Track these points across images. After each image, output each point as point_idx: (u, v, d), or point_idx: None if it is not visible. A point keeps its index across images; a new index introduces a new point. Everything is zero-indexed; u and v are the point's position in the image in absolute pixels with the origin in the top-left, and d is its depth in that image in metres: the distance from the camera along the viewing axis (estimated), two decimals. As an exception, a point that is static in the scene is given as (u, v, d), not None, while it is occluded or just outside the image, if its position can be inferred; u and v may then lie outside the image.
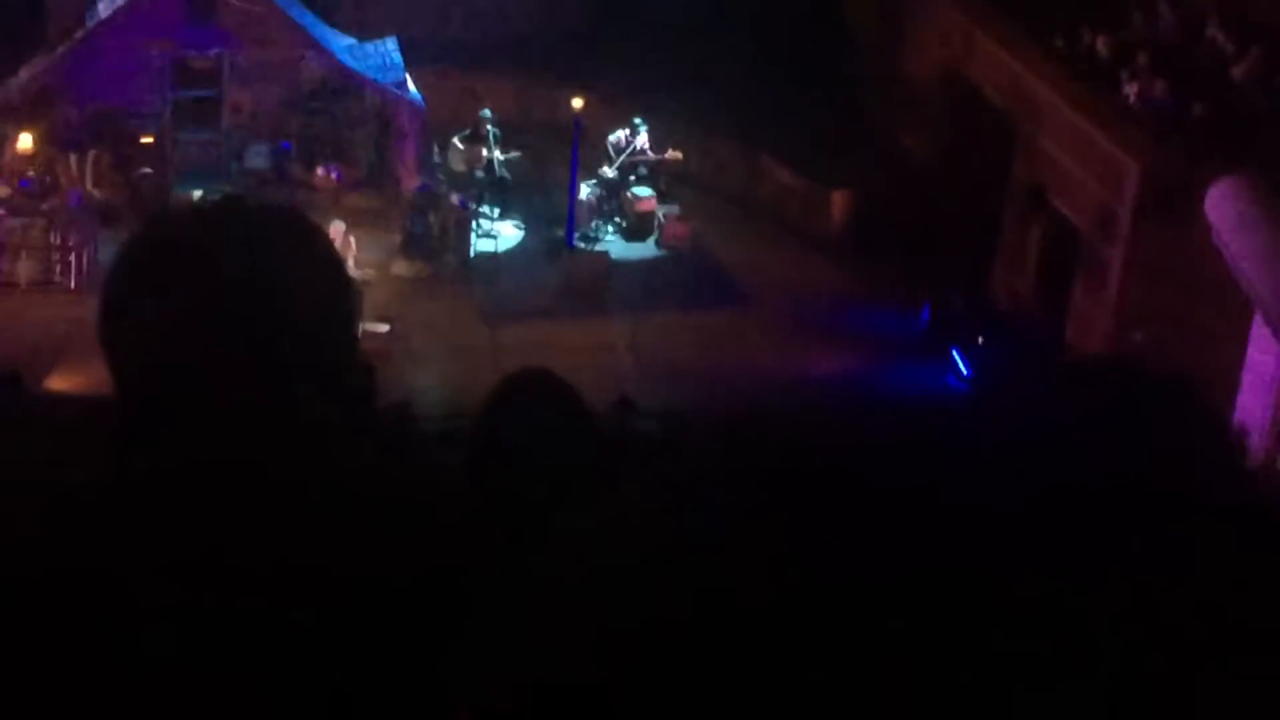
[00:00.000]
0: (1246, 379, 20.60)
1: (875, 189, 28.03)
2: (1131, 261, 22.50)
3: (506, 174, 27.96)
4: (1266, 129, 21.43)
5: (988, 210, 25.78)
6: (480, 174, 27.95)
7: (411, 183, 27.26)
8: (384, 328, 24.21)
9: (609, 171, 27.90)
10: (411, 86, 28.16)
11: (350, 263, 24.52)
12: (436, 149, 28.27)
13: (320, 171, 27.59)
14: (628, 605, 1.94)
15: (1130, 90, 23.61)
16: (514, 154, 28.01)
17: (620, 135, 28.15)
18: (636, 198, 27.92)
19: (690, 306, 26.03)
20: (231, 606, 2.42)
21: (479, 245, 26.97)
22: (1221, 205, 20.12)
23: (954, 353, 24.08)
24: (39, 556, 2.48)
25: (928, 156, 28.08)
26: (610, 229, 27.96)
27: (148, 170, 26.56)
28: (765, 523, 1.95)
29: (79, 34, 27.11)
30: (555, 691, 1.95)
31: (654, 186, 28.20)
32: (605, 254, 27.14)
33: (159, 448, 2.54)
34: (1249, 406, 20.37)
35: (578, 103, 27.19)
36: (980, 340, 24.20)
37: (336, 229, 24.66)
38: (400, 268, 26.15)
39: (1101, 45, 24.71)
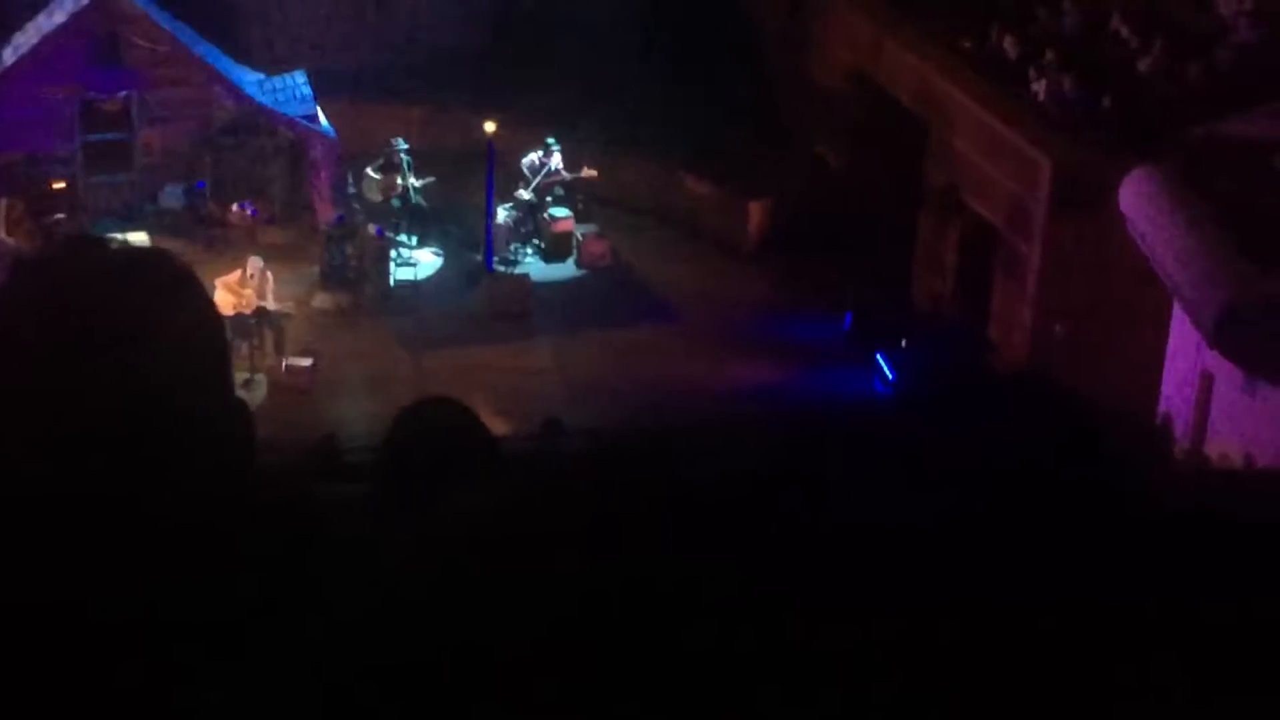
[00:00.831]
0: (1168, 367, 20.75)
1: (791, 197, 28.13)
2: (1048, 257, 22.65)
3: (423, 201, 27.88)
4: (1175, 119, 21.60)
5: (905, 214, 25.88)
6: (396, 202, 27.87)
7: (327, 215, 27.16)
8: (307, 361, 24.15)
9: (525, 194, 27.84)
10: (323, 118, 28.07)
11: (270, 298, 24.44)
12: (351, 179, 28.16)
13: (235, 208, 27.46)
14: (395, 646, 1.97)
15: (1039, 87, 23.77)
16: (429, 180, 27.92)
17: (534, 157, 28.10)
18: (554, 218, 27.90)
19: (613, 324, 26.04)
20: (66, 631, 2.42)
21: (398, 274, 26.88)
22: (1135, 197, 20.25)
23: (878, 358, 24.14)
24: None
25: (842, 162, 28.18)
26: (529, 251, 27.90)
27: (61, 216, 26.37)
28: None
29: (-16, 84, 26.91)
30: None
31: (571, 206, 28.18)
32: (526, 276, 27.09)
33: (8, 483, 2.53)
34: (1172, 395, 20.51)
35: (490, 127, 27.14)
36: (903, 344, 24.29)
37: (254, 264, 24.59)
38: (321, 300, 26.05)
39: (1008, 44, 24.86)
